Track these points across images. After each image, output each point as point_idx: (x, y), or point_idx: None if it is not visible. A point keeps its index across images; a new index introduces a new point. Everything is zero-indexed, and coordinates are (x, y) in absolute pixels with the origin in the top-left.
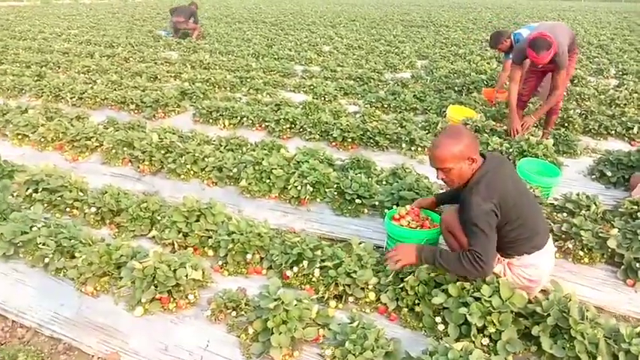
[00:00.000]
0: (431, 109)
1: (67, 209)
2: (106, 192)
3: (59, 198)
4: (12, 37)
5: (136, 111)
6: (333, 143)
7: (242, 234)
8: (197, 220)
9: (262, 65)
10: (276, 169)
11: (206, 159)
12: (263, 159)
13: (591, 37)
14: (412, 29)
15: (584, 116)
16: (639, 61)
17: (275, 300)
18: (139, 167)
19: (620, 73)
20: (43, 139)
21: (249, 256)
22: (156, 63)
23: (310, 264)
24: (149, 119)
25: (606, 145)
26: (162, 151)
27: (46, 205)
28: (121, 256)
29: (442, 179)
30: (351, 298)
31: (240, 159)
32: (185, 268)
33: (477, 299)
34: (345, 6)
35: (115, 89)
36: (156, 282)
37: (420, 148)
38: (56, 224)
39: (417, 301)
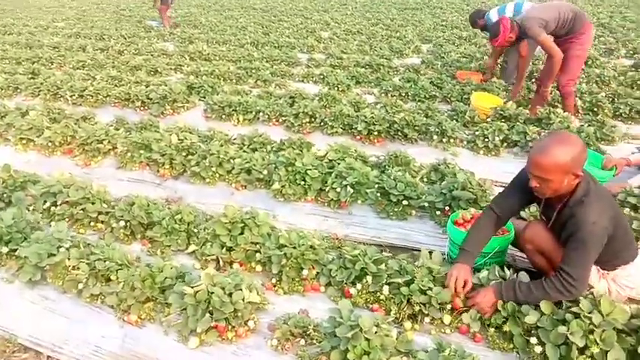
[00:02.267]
0: (452, 96)
1: (91, 223)
2: (134, 203)
3: (81, 211)
4: None
5: (142, 108)
6: (358, 137)
7: (295, 247)
8: (241, 233)
9: (264, 54)
10: (310, 169)
11: (232, 160)
12: (296, 159)
13: (590, 16)
14: (407, 12)
15: (611, 99)
16: None
17: (352, 327)
18: (158, 171)
19: (631, 52)
20: (50, 144)
21: (305, 272)
22: (152, 55)
23: (375, 279)
24: (157, 116)
25: (638, 130)
26: (184, 154)
27: (67, 219)
28: (166, 278)
29: (534, 187)
30: (427, 319)
31: (269, 159)
32: (241, 290)
33: (576, 316)
34: None
35: (116, 85)
36: (211, 308)
37: (452, 140)
38: (86, 243)
39: (503, 320)
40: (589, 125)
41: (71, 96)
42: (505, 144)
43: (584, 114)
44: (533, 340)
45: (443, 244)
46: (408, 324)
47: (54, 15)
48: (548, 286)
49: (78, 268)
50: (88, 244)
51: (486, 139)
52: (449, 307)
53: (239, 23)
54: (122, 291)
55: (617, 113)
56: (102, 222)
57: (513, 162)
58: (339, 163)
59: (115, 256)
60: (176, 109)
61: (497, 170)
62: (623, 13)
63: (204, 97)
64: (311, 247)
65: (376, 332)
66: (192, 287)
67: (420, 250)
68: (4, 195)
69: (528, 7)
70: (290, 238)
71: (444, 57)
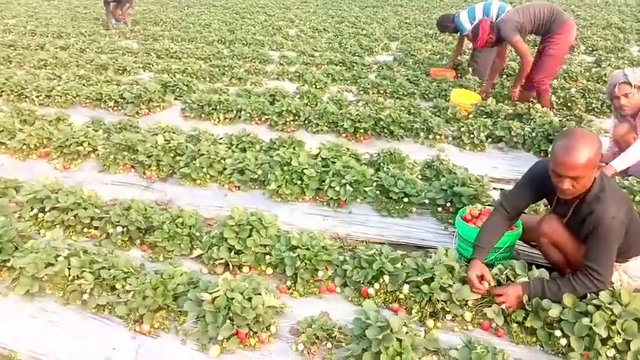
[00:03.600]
0: (429, 93)
1: (85, 230)
2: (131, 207)
3: (73, 218)
4: None
5: (115, 108)
6: (344, 135)
7: (308, 248)
8: (249, 235)
9: (235, 52)
10: (307, 168)
11: (223, 161)
12: (291, 158)
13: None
14: (368, 9)
15: (582, 95)
16: (602, 37)
17: (382, 328)
18: (144, 173)
19: (591, 49)
20: (24, 147)
21: (320, 274)
22: (117, 53)
23: (393, 278)
24: (132, 116)
25: (609, 124)
26: (171, 154)
27: (58, 227)
28: (178, 285)
29: (567, 189)
30: (448, 316)
31: (262, 159)
32: (260, 294)
33: (598, 307)
34: None
35: (84, 85)
36: (231, 314)
37: (438, 137)
38: (85, 251)
39: (524, 315)
40: (567, 120)
41: (37, 96)
42: (490, 140)
43: (558, 109)
44: (558, 332)
45: (446, 240)
46: (430, 322)
47: (2, 12)
48: (577, 283)
49: (82, 278)
50: (85, 251)
51: (472, 135)
52: (470, 303)
53: (201, 20)
54: (132, 300)
55: (589, 108)
56: (95, 228)
57: (500, 157)
58: (333, 162)
59: (120, 264)
60: (152, 109)
61: (485, 165)
62: (575, 12)
63: (181, 96)
64: (323, 247)
65: (407, 332)
66: (210, 293)
67: (423, 248)
68: None
69: (496, 9)
70: (302, 239)
71: (414, 54)
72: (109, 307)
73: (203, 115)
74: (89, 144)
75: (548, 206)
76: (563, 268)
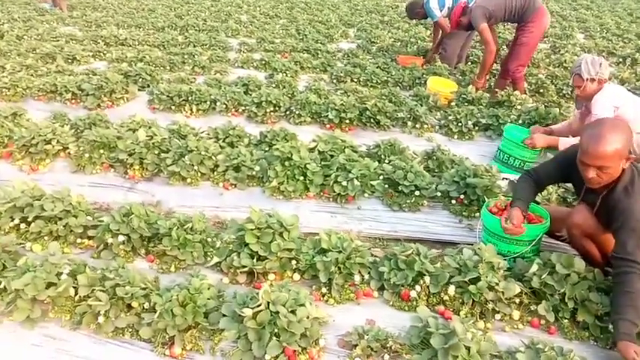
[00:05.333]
0: (403, 81)
1: (78, 241)
2: (132, 213)
3: (63, 227)
4: None
5: (73, 101)
6: (328, 125)
7: (339, 251)
8: (272, 240)
9: (190, 39)
10: (309, 163)
11: (214, 157)
12: (292, 153)
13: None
14: None
15: (550, 80)
16: (550, 25)
17: (445, 336)
18: (126, 173)
19: (544, 36)
20: None
21: (357, 278)
22: (60, 41)
23: (434, 279)
24: (92, 109)
25: None
26: (156, 151)
27: (46, 238)
28: (209, 299)
29: (592, 178)
30: (497, 316)
31: (257, 154)
32: (304, 305)
33: None
34: None
35: (32, 75)
36: (277, 330)
37: (425, 126)
38: (91, 267)
39: (572, 310)
40: (547, 107)
41: None
42: (476, 127)
43: (531, 96)
44: (610, 326)
45: (463, 233)
46: (481, 324)
47: None
48: (631, 286)
49: (93, 298)
50: (94, 267)
51: (459, 124)
52: (517, 301)
53: (144, 5)
54: (158, 320)
55: (560, 94)
56: (89, 238)
57: (489, 145)
58: (332, 155)
59: (135, 279)
60: (115, 101)
61: (475, 154)
62: None
63: (146, 87)
64: (355, 249)
65: (472, 338)
66: (251, 308)
67: (441, 242)
68: None
69: None
70: (331, 242)
71: (374, 42)
72: (130, 330)
73: (174, 107)
74: (58, 142)
75: (577, 196)
76: (595, 256)
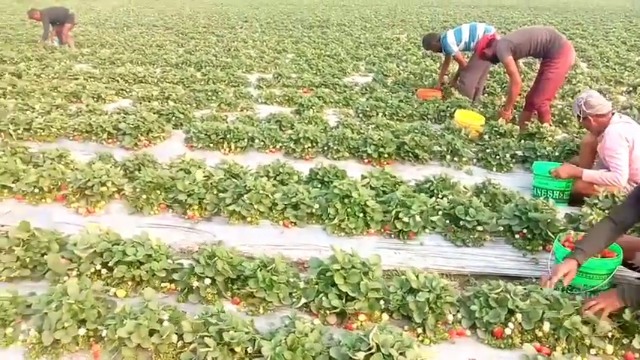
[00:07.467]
0: (428, 114)
1: (162, 285)
2: (216, 256)
3: (145, 272)
4: None
5: (110, 140)
6: (366, 160)
7: (429, 290)
8: (360, 279)
9: (209, 76)
10: (369, 200)
11: (270, 195)
12: (350, 191)
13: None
14: (314, 29)
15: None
16: None
17: None
18: (185, 213)
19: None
20: (35, 190)
21: (450, 317)
22: (77, 79)
23: (526, 316)
24: (129, 149)
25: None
26: (214, 191)
27: (129, 283)
28: (315, 342)
29: None
30: (592, 350)
31: (315, 192)
32: (412, 347)
33: None
34: (221, 7)
35: (60, 115)
36: None
37: (464, 159)
38: (173, 310)
39: None
40: (576, 137)
41: (15, 130)
42: (513, 160)
43: (556, 126)
44: None
45: (530, 267)
46: (578, 358)
47: None
48: None
49: (201, 344)
50: (198, 314)
51: (497, 156)
52: (610, 335)
53: (151, 41)
54: None
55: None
56: (170, 281)
57: (528, 177)
58: (384, 191)
59: (238, 324)
60: (152, 140)
61: (514, 186)
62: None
63: (179, 125)
64: (443, 288)
65: None
66: (363, 351)
67: (507, 277)
68: (28, 259)
69: (481, 31)
70: (419, 281)
71: (387, 75)
72: None
73: (212, 145)
74: (113, 183)
75: None
76: None
